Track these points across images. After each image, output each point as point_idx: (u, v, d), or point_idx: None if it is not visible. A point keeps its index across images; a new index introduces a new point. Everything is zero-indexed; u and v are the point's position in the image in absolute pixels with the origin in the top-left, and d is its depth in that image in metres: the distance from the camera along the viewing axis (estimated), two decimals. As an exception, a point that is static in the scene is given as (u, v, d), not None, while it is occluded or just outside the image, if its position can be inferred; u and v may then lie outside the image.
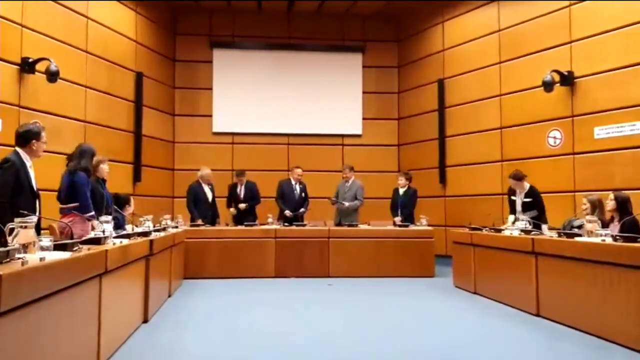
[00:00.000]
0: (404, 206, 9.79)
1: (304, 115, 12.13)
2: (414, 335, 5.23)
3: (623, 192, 6.24)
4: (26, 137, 4.82)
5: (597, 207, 6.43)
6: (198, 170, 9.94)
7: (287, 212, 9.73)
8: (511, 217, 7.81)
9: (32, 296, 2.68)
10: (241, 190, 9.84)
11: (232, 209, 9.81)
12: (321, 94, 12.23)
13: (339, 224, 9.75)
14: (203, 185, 9.57)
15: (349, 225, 9.52)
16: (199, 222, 9.22)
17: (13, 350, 2.52)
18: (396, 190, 9.97)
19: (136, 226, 6.39)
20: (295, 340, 4.95)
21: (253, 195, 9.90)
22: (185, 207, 9.64)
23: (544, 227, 6.68)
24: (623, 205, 5.96)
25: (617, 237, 4.86)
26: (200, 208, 9.48)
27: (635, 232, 5.36)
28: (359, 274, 8.90)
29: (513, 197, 7.84)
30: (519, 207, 7.70)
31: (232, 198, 9.88)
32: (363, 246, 9.11)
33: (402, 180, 9.87)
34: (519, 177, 7.70)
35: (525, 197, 7.64)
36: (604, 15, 8.28)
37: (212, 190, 9.68)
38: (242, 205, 9.71)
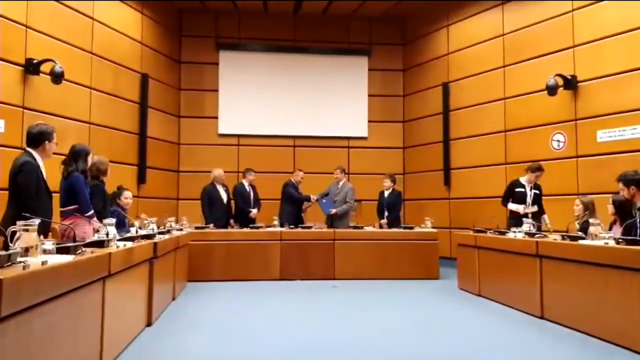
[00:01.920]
0: (390, 208, 9.88)
1: (310, 117, 12.16)
2: (418, 337, 5.22)
3: (620, 195, 6.25)
4: (40, 138, 4.86)
5: (589, 208, 6.50)
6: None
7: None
8: (521, 207, 7.84)
9: (34, 300, 2.67)
10: (250, 190, 9.84)
11: (254, 210, 9.73)
12: (327, 96, 12.26)
13: (330, 227, 9.75)
14: (217, 186, 9.56)
15: (354, 228, 9.54)
16: (211, 226, 9.17)
17: (15, 356, 2.52)
18: (382, 193, 10.02)
19: (139, 227, 6.40)
20: (300, 343, 4.94)
21: (258, 199, 9.92)
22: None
23: (545, 216, 7.68)
24: (622, 208, 5.98)
25: (620, 240, 4.85)
26: (216, 210, 9.44)
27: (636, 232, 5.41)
28: (364, 276, 8.89)
29: (519, 189, 7.84)
30: (529, 199, 7.71)
31: (242, 197, 9.77)
32: (368, 248, 9.09)
33: (387, 183, 9.94)
34: (543, 169, 7.88)
35: (534, 189, 7.73)
36: (606, 20, 8.32)
37: (226, 191, 9.67)
38: (254, 212, 9.74)
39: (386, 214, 9.87)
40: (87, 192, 5.47)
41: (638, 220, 5.32)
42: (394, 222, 9.75)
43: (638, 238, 4.77)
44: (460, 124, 11.00)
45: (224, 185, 9.66)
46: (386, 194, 9.95)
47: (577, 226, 6.63)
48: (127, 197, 6.93)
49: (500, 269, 6.95)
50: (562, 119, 8.94)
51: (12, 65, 7.31)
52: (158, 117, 10.98)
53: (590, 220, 5.57)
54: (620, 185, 5.60)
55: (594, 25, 8.50)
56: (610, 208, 6.09)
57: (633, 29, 7.95)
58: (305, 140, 12.13)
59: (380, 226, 9.73)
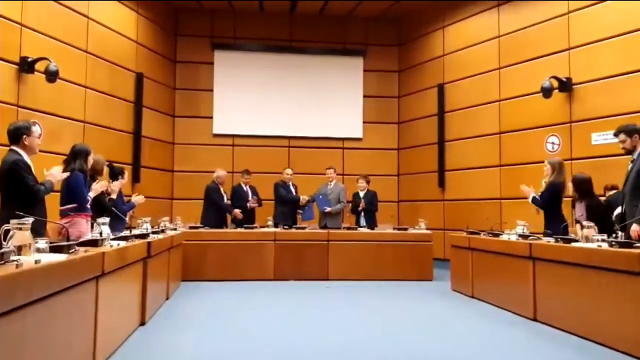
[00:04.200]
0: (366, 209, 9.90)
1: (305, 117, 12.15)
2: (410, 339, 5.22)
3: (582, 174, 6.53)
4: (17, 134, 4.82)
5: (556, 169, 6.65)
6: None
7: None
8: None
9: (27, 299, 2.66)
10: (248, 190, 9.84)
11: (237, 210, 9.65)
12: (322, 97, 12.25)
13: (324, 227, 9.74)
14: (220, 187, 9.60)
15: (348, 229, 9.55)
16: (202, 226, 9.21)
17: (8, 354, 2.51)
18: (356, 195, 10.05)
19: (134, 227, 6.41)
20: (293, 343, 4.95)
21: (257, 197, 9.93)
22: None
23: None
24: (580, 186, 6.26)
25: (613, 243, 4.86)
26: (216, 210, 9.51)
27: (602, 213, 5.95)
28: (357, 277, 8.90)
29: None
30: None
31: (240, 198, 9.77)
32: (362, 249, 9.10)
33: (362, 184, 9.99)
34: None
35: None
36: (602, 23, 8.36)
37: (225, 192, 9.70)
38: (254, 204, 9.75)
39: (362, 214, 9.92)
40: (86, 191, 5.52)
41: (634, 167, 5.48)
42: (370, 222, 9.84)
43: (630, 241, 4.79)
44: (455, 126, 11.02)
45: (222, 186, 9.69)
46: (361, 194, 9.98)
47: (544, 184, 6.83)
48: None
49: (494, 270, 6.96)
50: (556, 121, 8.96)
51: (6, 64, 7.28)
52: (153, 117, 10.96)
53: (584, 223, 5.58)
54: (623, 136, 5.59)
55: (590, 28, 8.53)
56: (570, 186, 6.29)
57: (628, 32, 7.98)
58: (300, 140, 12.12)
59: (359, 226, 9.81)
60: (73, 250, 3.56)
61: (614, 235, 5.03)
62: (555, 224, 6.44)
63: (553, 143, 8.97)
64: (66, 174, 5.26)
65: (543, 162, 8.62)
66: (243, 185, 9.87)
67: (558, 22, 9.02)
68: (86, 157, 5.62)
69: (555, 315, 5.58)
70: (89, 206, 5.59)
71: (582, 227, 5.55)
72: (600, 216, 6.16)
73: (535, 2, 9.46)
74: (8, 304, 2.46)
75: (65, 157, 5.71)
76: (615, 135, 5.70)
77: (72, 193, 5.45)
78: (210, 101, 11.96)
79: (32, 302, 2.74)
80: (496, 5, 10.21)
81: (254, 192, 9.93)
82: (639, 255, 4.36)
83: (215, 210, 9.49)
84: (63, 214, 5.48)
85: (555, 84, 8.76)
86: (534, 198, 6.82)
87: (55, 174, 4.99)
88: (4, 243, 2.89)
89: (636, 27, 7.89)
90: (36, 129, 4.95)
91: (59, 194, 5.58)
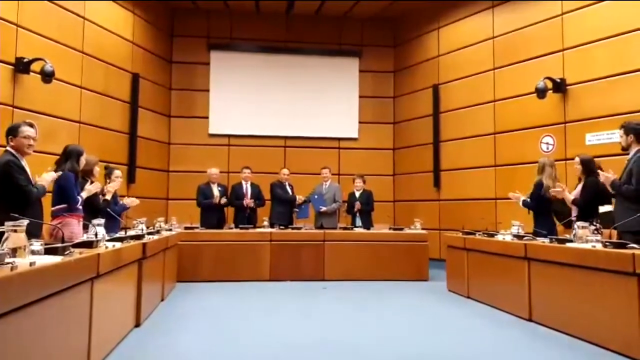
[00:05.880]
0: (362, 209, 9.94)
1: (301, 118, 12.14)
2: (406, 339, 5.24)
3: (586, 154, 6.62)
4: (6, 135, 4.83)
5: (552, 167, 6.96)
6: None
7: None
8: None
9: (22, 301, 2.67)
10: (247, 189, 9.82)
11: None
12: (318, 97, 12.25)
13: (320, 227, 9.75)
14: (212, 185, 9.62)
15: (344, 229, 9.57)
16: (197, 226, 9.23)
17: (3, 355, 2.52)
18: (352, 194, 10.08)
19: (129, 228, 6.40)
20: (289, 344, 4.95)
21: (258, 196, 9.90)
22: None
23: None
24: (587, 166, 6.36)
25: (607, 244, 4.89)
26: (207, 208, 9.52)
27: (596, 191, 6.05)
28: (353, 277, 8.92)
29: None
30: None
31: (237, 197, 9.74)
32: (358, 250, 9.11)
33: (359, 183, 10.04)
34: None
35: None
36: (595, 24, 8.40)
37: (221, 191, 9.68)
38: (250, 202, 9.70)
39: (358, 214, 9.96)
40: (77, 192, 5.51)
41: (626, 168, 5.58)
42: (366, 222, 9.87)
43: (624, 241, 4.81)
44: (450, 126, 11.04)
45: (219, 185, 9.68)
46: (357, 194, 10.01)
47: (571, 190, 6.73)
48: (117, 176, 6.94)
49: (489, 271, 6.99)
50: (551, 122, 8.99)
51: (2, 64, 7.26)
52: (148, 117, 10.94)
53: (578, 223, 5.61)
54: (621, 132, 5.67)
55: (583, 29, 8.57)
56: (578, 168, 6.43)
57: (622, 33, 8.02)
58: (295, 140, 12.12)
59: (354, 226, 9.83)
60: (68, 252, 3.55)
61: (594, 222, 5.46)
62: (545, 224, 6.56)
63: (547, 143, 9.01)
64: (58, 174, 5.26)
65: (537, 162, 8.69)
66: (243, 183, 9.84)
67: (552, 23, 9.06)
68: (78, 157, 5.61)
69: (550, 316, 5.61)
70: (80, 207, 5.59)
71: (577, 226, 5.58)
72: (593, 195, 6.28)
73: (529, 3, 9.49)
74: (3, 306, 2.46)
75: (55, 161, 5.70)
76: (620, 128, 5.77)
77: (63, 193, 5.44)
78: (206, 101, 11.95)
79: (27, 305, 2.74)
80: (490, 6, 10.23)
81: (256, 191, 9.89)
82: (632, 255, 4.39)
83: (205, 210, 9.51)
84: (54, 215, 5.47)
85: (550, 84, 8.79)
86: (524, 202, 6.97)
87: (47, 177, 4.99)
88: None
89: (630, 28, 7.93)
90: (24, 129, 4.86)
91: (51, 194, 5.57)
